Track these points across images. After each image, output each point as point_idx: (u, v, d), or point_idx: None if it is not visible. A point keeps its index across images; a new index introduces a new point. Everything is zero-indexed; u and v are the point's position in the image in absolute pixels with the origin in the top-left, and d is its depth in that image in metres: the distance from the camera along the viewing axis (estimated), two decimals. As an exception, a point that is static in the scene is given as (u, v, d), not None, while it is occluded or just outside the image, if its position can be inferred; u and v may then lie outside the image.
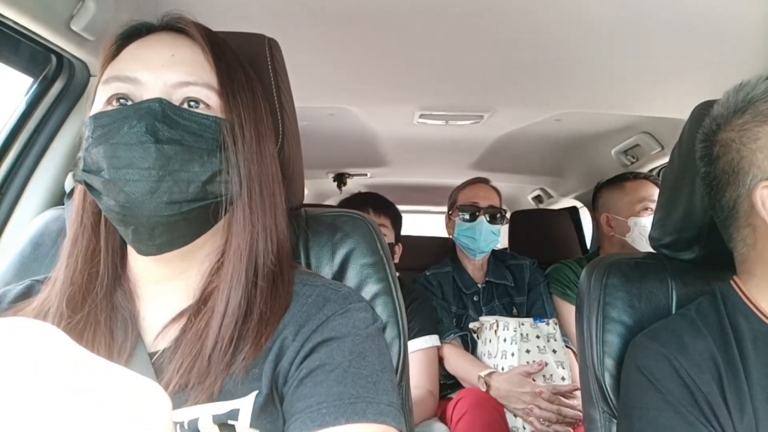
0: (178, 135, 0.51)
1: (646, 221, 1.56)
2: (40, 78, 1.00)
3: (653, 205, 1.54)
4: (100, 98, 0.55)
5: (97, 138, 0.51)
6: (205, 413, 0.51)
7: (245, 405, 0.52)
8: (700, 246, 0.75)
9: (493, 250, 1.83)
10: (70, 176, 1.04)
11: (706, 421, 0.59)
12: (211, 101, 0.55)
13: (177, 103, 0.53)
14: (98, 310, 0.55)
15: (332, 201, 2.97)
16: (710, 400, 0.60)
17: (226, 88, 0.56)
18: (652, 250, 0.86)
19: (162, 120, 0.51)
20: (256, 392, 0.52)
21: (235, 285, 0.55)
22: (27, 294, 0.60)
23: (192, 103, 0.54)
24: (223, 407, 0.51)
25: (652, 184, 1.63)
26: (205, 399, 0.50)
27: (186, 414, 0.51)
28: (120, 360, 0.53)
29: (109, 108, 0.53)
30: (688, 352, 0.63)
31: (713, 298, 0.68)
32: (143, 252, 0.54)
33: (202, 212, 0.54)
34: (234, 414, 0.51)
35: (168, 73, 0.54)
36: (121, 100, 0.53)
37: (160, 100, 0.51)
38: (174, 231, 0.53)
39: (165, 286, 0.58)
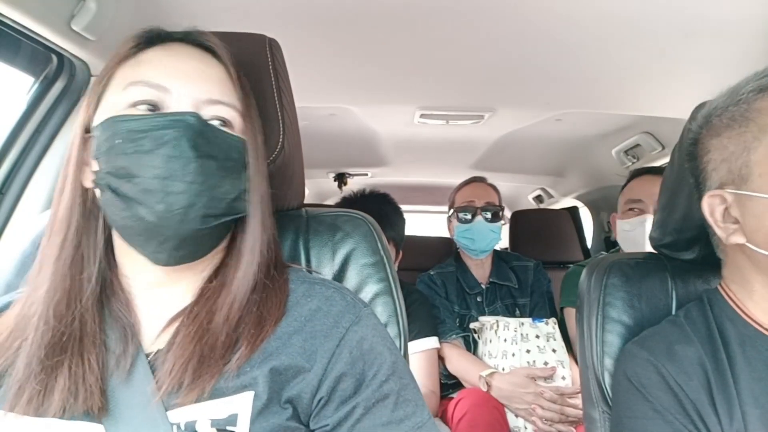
0: (215, 152, 0.52)
1: (625, 224, 1.53)
2: (41, 78, 1.00)
3: (640, 206, 1.49)
4: (120, 100, 0.53)
5: (128, 143, 0.50)
6: (203, 417, 0.50)
7: (243, 409, 0.51)
8: (701, 246, 0.75)
9: (498, 251, 1.83)
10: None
11: (694, 429, 0.60)
12: (235, 122, 0.57)
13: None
14: (86, 316, 0.54)
15: (333, 201, 2.97)
16: (699, 408, 0.60)
17: (246, 110, 0.58)
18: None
19: (201, 135, 0.51)
20: (251, 393, 0.52)
21: (240, 295, 0.56)
22: (4, 309, 0.58)
23: (218, 122, 0.55)
24: (220, 411, 0.51)
25: (643, 182, 1.53)
26: (194, 398, 0.50)
27: (182, 415, 0.50)
28: (121, 373, 0.52)
29: (136, 112, 0.52)
30: (677, 359, 0.63)
31: (701, 303, 0.69)
32: (162, 261, 0.54)
33: (223, 227, 0.56)
34: (233, 419, 0.51)
35: (199, 89, 0.54)
36: (146, 107, 0.53)
37: (196, 116, 0.52)
38: (198, 244, 0.55)
39: (162, 291, 0.58)
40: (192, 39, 0.59)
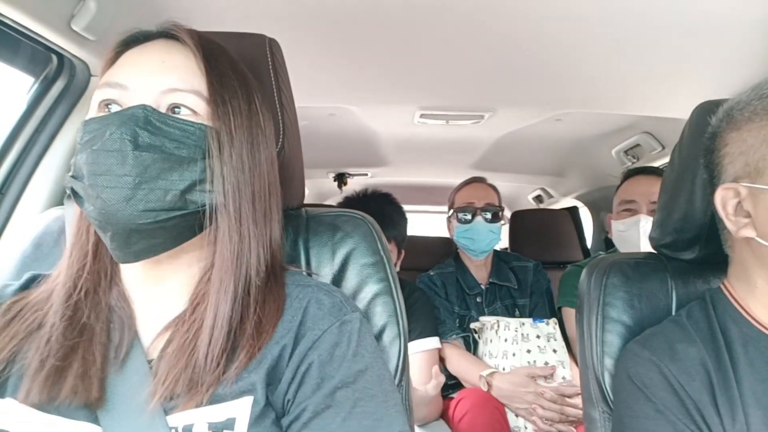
0: (159, 141, 0.51)
1: (620, 224, 1.53)
2: (41, 78, 1.00)
3: (634, 206, 1.50)
4: (93, 104, 0.55)
5: (83, 144, 0.52)
6: (200, 421, 0.50)
7: (241, 414, 0.51)
8: (701, 246, 0.75)
9: (497, 252, 1.83)
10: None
11: (697, 429, 0.59)
12: (198, 108, 0.54)
13: (164, 110, 0.53)
14: (96, 310, 0.56)
15: (333, 201, 2.97)
16: (701, 408, 0.60)
17: (216, 95, 0.55)
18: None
19: (143, 126, 0.50)
20: (251, 398, 0.52)
21: (223, 297, 0.54)
22: (26, 286, 0.60)
23: (177, 109, 0.54)
24: (218, 415, 0.51)
25: (636, 182, 1.54)
26: (194, 405, 0.50)
27: (179, 420, 0.50)
28: (116, 362, 0.53)
29: (99, 114, 0.54)
30: (679, 359, 0.63)
31: (703, 303, 0.69)
32: (121, 259, 0.54)
33: (182, 221, 0.53)
34: (230, 423, 0.51)
35: (157, 80, 0.54)
36: (109, 107, 0.54)
37: (143, 107, 0.51)
38: (151, 239, 0.53)
39: (156, 289, 0.58)
40: (162, 32, 0.59)
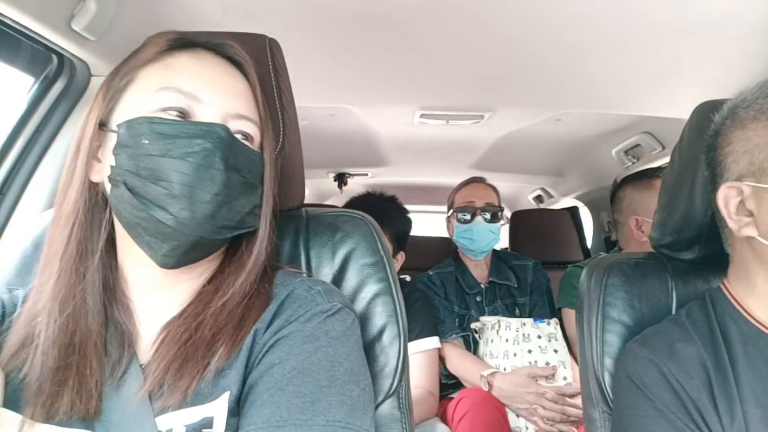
0: (240, 165, 0.54)
1: None
2: (41, 78, 1.00)
3: None
4: (149, 103, 0.53)
5: (155, 145, 0.51)
6: (178, 424, 0.50)
7: (219, 412, 0.51)
8: (701, 246, 0.75)
9: (497, 251, 1.83)
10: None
11: (695, 428, 0.60)
12: (256, 137, 0.58)
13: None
14: (90, 317, 0.54)
15: (333, 201, 2.98)
16: (699, 406, 0.60)
17: (265, 126, 0.60)
18: None
19: (229, 148, 0.53)
20: (227, 394, 0.52)
21: (234, 303, 0.56)
22: (19, 304, 0.58)
23: (242, 135, 0.56)
24: (195, 415, 0.51)
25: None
26: (177, 403, 0.50)
27: (159, 425, 0.50)
28: (113, 379, 0.53)
29: (166, 117, 0.53)
30: (678, 358, 0.63)
31: (703, 302, 0.69)
32: (169, 264, 0.54)
33: (233, 238, 0.57)
34: (208, 422, 0.51)
35: (228, 101, 0.56)
36: (176, 113, 0.53)
37: (225, 128, 0.53)
38: (206, 250, 0.56)
39: (160, 296, 0.58)
40: (221, 50, 0.60)
